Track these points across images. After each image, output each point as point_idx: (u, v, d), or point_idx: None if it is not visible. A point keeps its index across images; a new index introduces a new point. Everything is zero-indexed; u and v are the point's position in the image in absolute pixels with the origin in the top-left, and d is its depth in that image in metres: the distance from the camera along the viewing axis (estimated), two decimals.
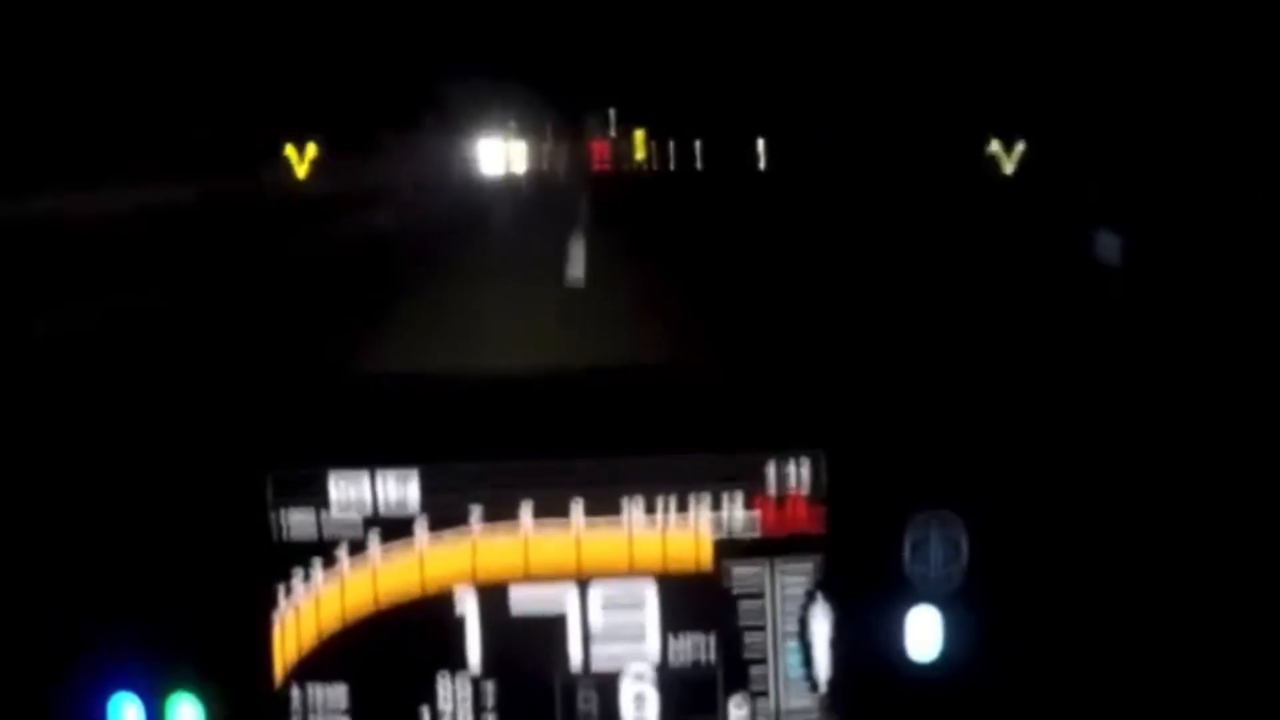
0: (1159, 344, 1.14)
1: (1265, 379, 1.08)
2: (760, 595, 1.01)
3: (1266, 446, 1.05)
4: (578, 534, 1.00)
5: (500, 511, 1.00)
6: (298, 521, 0.99)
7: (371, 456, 0.99)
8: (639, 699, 1.01)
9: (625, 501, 1.00)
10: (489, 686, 1.00)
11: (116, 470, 1.00)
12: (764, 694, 1.01)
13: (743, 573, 1.00)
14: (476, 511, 0.99)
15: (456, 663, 1.00)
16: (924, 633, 1.01)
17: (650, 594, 1.00)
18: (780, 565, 1.01)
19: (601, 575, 1.00)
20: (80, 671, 0.98)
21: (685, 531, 1.00)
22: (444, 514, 0.99)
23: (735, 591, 1.01)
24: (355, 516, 0.99)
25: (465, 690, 1.00)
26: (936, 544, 1.01)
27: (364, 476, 0.99)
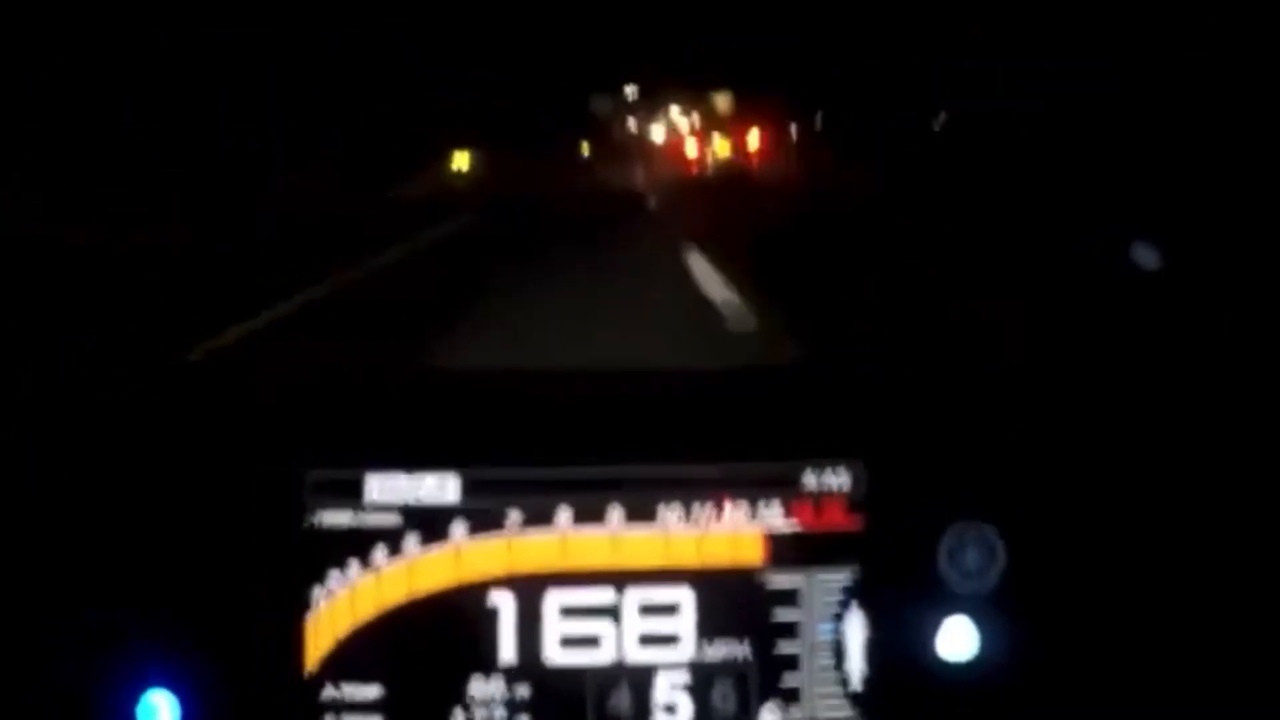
0: (1198, 354, 1.13)
1: None
2: (796, 599, 1.00)
3: None
4: (615, 535, 1.00)
5: (538, 516, 1.00)
6: (334, 521, 0.99)
7: (409, 459, 0.99)
8: (671, 700, 1.01)
9: (662, 508, 1.00)
10: (522, 685, 1.00)
11: (155, 468, 1.00)
12: (796, 698, 1.01)
13: (779, 578, 1.00)
14: (514, 515, 1.00)
15: (490, 662, 1.00)
16: (958, 639, 1.01)
17: (686, 597, 1.00)
18: (816, 571, 1.00)
19: (638, 577, 1.00)
20: (115, 666, 0.99)
21: (722, 534, 1.00)
22: (481, 517, 1.00)
23: (771, 595, 1.00)
24: (392, 517, 0.99)
25: (498, 689, 1.00)
26: (972, 551, 1.01)
27: (401, 478, 0.99)
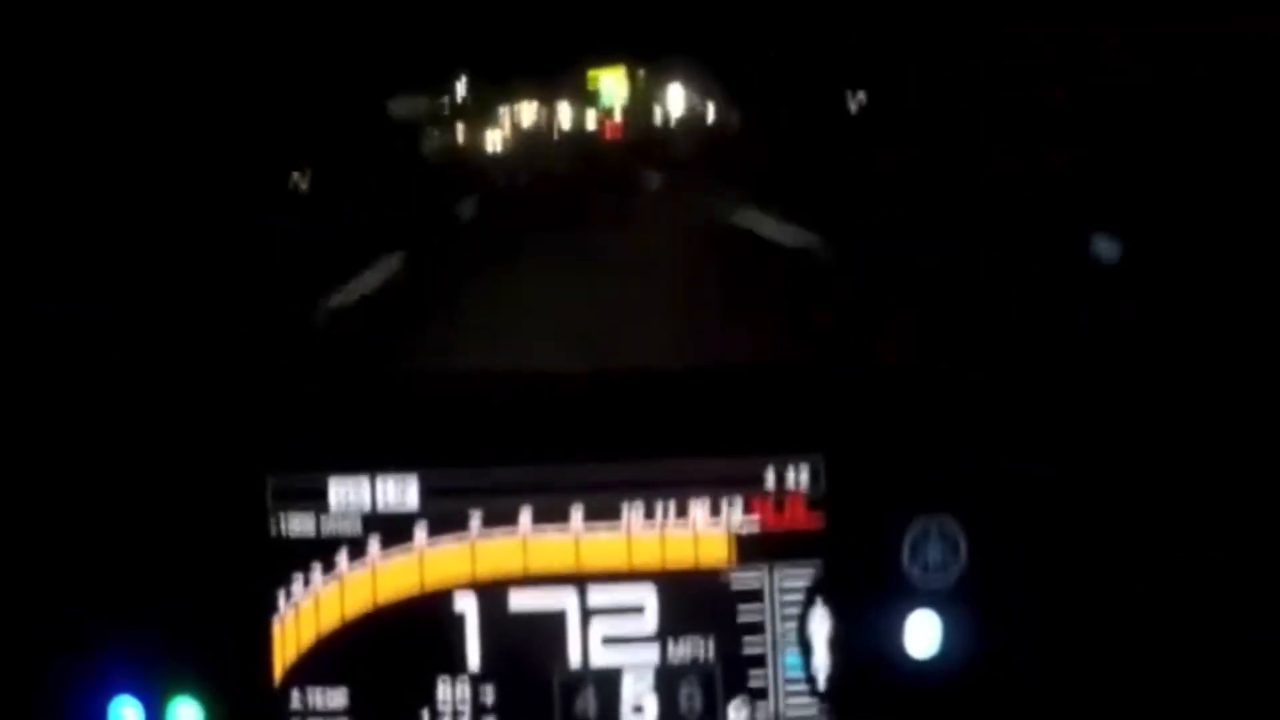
0: (1157, 346, 1.14)
1: (1263, 382, 1.08)
2: (760, 597, 1.01)
3: (1262, 449, 1.05)
4: (577, 535, 1.00)
5: (500, 516, 1.00)
6: (297, 525, 0.99)
7: (371, 460, 0.99)
8: (638, 701, 1.01)
9: (625, 506, 1.00)
10: (488, 688, 1.00)
11: (117, 473, 1.00)
12: (763, 695, 1.01)
13: (742, 575, 1.01)
14: (476, 516, 1.00)
15: (456, 664, 1.00)
16: (923, 634, 1.01)
17: (650, 596, 1.00)
18: (779, 568, 1.01)
19: (601, 577, 1.00)
20: (81, 674, 0.98)
21: (684, 534, 1.00)
22: (443, 518, 1.00)
23: (735, 593, 1.01)
24: (355, 520, 0.99)
25: (464, 692, 1.00)
26: (935, 545, 1.01)
27: (364, 481, 0.99)
